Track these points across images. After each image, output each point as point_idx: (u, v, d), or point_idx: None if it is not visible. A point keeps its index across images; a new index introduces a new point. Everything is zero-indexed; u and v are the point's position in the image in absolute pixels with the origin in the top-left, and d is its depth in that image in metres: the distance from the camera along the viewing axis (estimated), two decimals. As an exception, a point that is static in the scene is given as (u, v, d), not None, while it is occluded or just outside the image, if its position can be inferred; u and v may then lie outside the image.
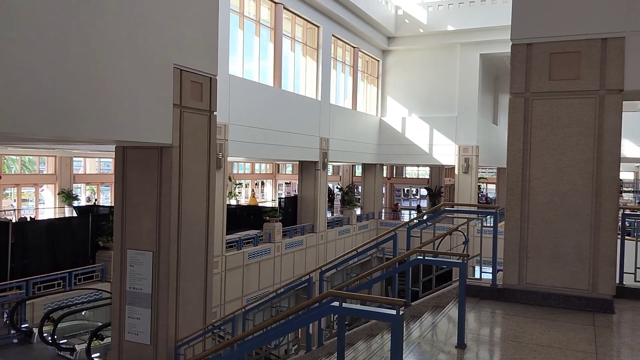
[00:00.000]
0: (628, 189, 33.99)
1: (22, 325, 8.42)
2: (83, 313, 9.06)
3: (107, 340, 7.63)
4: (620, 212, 5.99)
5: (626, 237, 6.08)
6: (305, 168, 17.29)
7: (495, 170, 28.90)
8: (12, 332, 8.30)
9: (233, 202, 25.54)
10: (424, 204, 31.67)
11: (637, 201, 30.16)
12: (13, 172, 21.21)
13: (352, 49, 20.21)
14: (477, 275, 6.52)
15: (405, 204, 34.10)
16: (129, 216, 6.43)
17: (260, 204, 25.52)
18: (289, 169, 35.99)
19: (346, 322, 4.87)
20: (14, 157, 20.80)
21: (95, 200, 22.94)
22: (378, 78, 22.22)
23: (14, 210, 19.70)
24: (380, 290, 17.52)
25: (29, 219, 15.96)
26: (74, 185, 20.89)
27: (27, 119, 4.37)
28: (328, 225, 17.89)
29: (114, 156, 6.73)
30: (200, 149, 6.60)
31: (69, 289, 9.45)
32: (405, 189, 35.19)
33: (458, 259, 4.44)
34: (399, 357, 3.11)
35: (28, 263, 9.92)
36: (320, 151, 17.21)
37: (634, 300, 5.41)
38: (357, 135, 19.98)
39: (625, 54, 4.94)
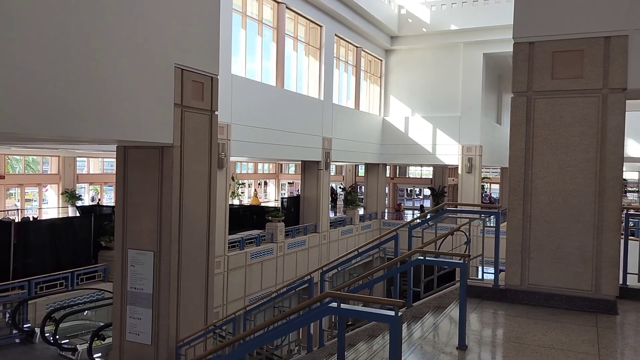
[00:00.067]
0: (632, 189, 33.76)
1: (24, 325, 8.45)
2: (85, 313, 9.08)
3: (109, 340, 7.64)
4: (624, 212, 5.93)
5: (630, 237, 6.03)
6: (308, 168, 17.27)
7: (499, 170, 28.81)
8: (14, 332, 8.33)
9: (236, 202, 25.56)
10: (427, 204, 31.59)
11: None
12: (17, 172, 21.27)
13: (355, 48, 20.18)
14: (479, 276, 6.49)
15: (409, 203, 33.99)
16: (130, 216, 6.44)
17: (262, 204, 25.51)
18: (291, 169, 35.99)
19: (348, 323, 4.85)
20: (17, 157, 20.87)
21: (99, 200, 23.00)
22: (381, 78, 22.18)
23: (17, 210, 19.75)
24: (383, 290, 17.47)
25: (31, 219, 15.99)
26: (77, 185, 20.95)
27: (27, 119, 4.37)
28: (331, 225, 17.85)
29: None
30: (201, 149, 6.59)
31: (71, 289, 9.45)
32: (409, 188, 35.08)
33: (459, 260, 4.42)
34: (398, 358, 3.09)
35: (30, 263, 9.93)
36: (323, 151, 17.18)
37: (637, 302, 5.35)
38: (359, 135, 19.94)
39: (628, 53, 4.90)
